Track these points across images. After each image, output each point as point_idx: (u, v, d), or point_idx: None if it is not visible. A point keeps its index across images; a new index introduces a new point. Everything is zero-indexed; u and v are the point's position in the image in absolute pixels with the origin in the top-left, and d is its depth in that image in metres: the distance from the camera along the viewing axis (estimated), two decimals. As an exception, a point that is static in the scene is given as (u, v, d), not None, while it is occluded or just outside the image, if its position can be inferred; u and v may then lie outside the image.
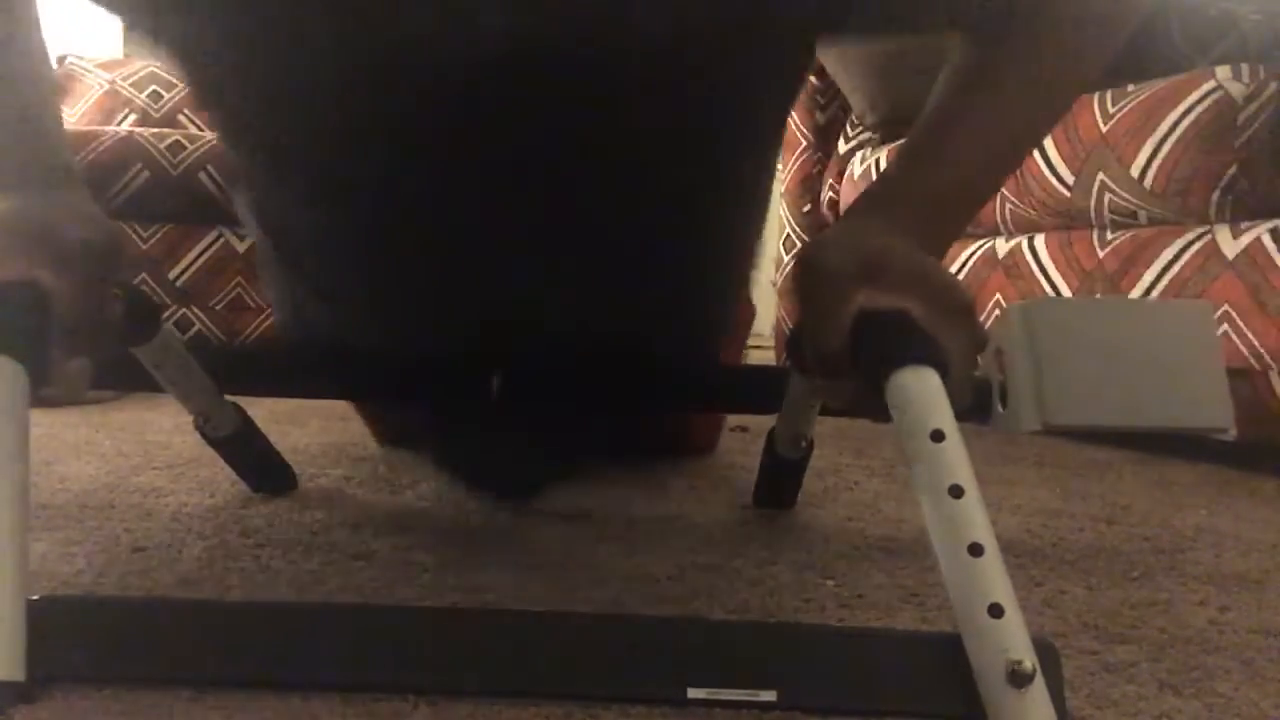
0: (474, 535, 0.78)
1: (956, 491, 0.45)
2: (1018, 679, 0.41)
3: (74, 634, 0.47)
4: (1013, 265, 1.53)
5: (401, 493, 0.92)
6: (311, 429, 1.27)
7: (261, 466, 0.90)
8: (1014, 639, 0.42)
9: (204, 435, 0.84)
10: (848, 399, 0.56)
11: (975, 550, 0.43)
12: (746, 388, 0.86)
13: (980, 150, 0.63)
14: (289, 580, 0.65)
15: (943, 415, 0.47)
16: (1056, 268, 1.46)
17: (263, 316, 2.18)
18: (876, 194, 0.63)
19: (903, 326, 0.51)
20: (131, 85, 2.57)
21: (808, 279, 0.56)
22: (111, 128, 2.22)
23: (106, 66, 2.63)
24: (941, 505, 0.45)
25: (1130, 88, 1.33)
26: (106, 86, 2.56)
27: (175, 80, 2.61)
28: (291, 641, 0.48)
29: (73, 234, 0.56)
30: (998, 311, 1.54)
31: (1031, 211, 1.50)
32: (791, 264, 0.59)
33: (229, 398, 0.83)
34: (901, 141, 0.65)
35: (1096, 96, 1.37)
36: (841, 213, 2.04)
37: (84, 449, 1.09)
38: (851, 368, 0.53)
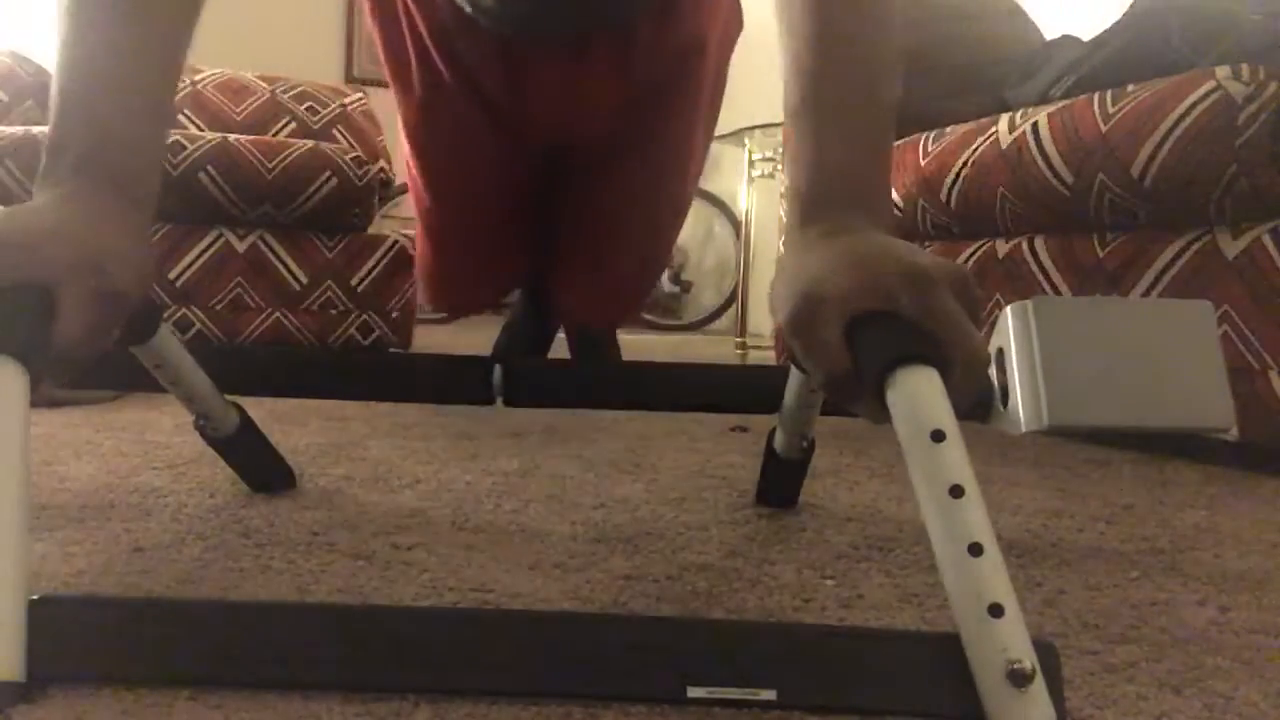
0: (474, 535, 0.78)
1: (956, 491, 0.45)
2: (1017, 679, 0.41)
3: (74, 634, 0.47)
4: (1012, 265, 1.53)
5: (401, 492, 0.92)
6: (311, 429, 1.27)
7: (261, 466, 0.90)
8: (1014, 639, 0.42)
9: (204, 436, 0.84)
10: (864, 409, 0.55)
11: (975, 550, 0.43)
12: (746, 388, 0.86)
13: (857, 117, 0.62)
14: (289, 580, 0.65)
15: (943, 414, 0.47)
16: (1056, 268, 1.46)
17: (262, 316, 2.18)
18: (808, 196, 0.61)
19: (894, 327, 0.50)
20: (131, 85, 2.57)
21: (785, 304, 0.55)
22: (111, 128, 2.22)
23: (106, 67, 2.63)
24: (941, 505, 0.45)
25: (1130, 88, 1.33)
26: (106, 87, 2.56)
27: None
28: (292, 641, 0.48)
29: (105, 245, 0.56)
30: (998, 312, 1.54)
31: (1031, 211, 1.50)
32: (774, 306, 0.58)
33: (229, 398, 0.83)
34: (789, 141, 0.64)
35: (1096, 97, 1.38)
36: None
37: (84, 449, 1.09)
38: (857, 379, 0.52)
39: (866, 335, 0.51)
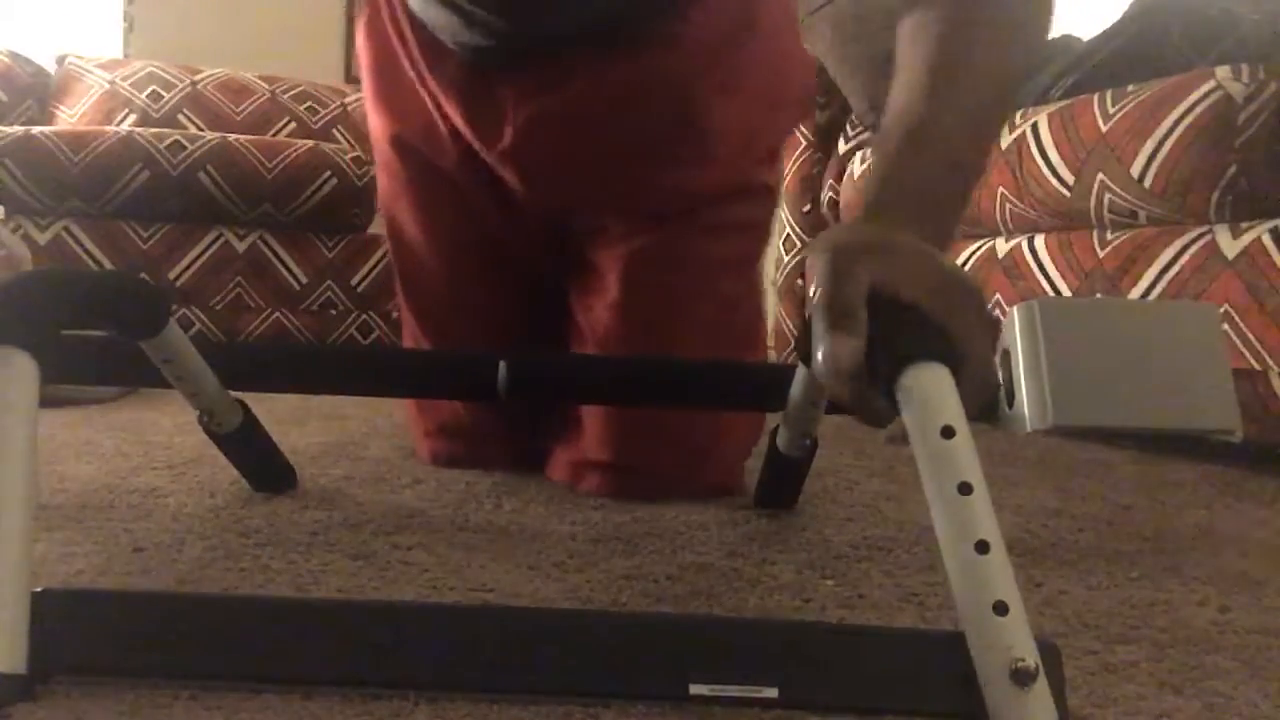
0: (474, 535, 0.78)
1: (965, 489, 0.45)
2: (1020, 677, 0.41)
3: (76, 627, 0.47)
4: (1012, 265, 1.53)
5: (401, 492, 0.92)
6: (311, 429, 1.27)
7: (263, 464, 0.90)
8: (1018, 637, 0.42)
9: (208, 431, 0.84)
10: (861, 400, 0.55)
11: (981, 548, 0.44)
12: (753, 384, 0.86)
13: (952, 145, 0.64)
14: (288, 580, 0.64)
15: (953, 412, 0.47)
16: (1056, 268, 1.46)
17: (262, 316, 2.18)
18: (872, 201, 0.63)
19: (914, 322, 0.51)
20: (131, 85, 2.58)
21: (821, 250, 0.55)
22: (111, 128, 2.22)
23: (106, 67, 2.64)
24: (949, 502, 0.45)
25: (1130, 88, 1.33)
26: (106, 87, 2.56)
27: (174, 80, 2.61)
28: (292, 637, 0.48)
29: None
30: (999, 312, 1.54)
31: (1031, 211, 1.50)
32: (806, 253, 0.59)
33: (234, 394, 0.83)
34: (878, 148, 0.65)
35: (1096, 97, 1.38)
36: (841, 213, 2.04)
37: (84, 449, 1.08)
38: (868, 371, 0.52)
39: (884, 328, 0.51)
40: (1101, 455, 1.30)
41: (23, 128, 2.12)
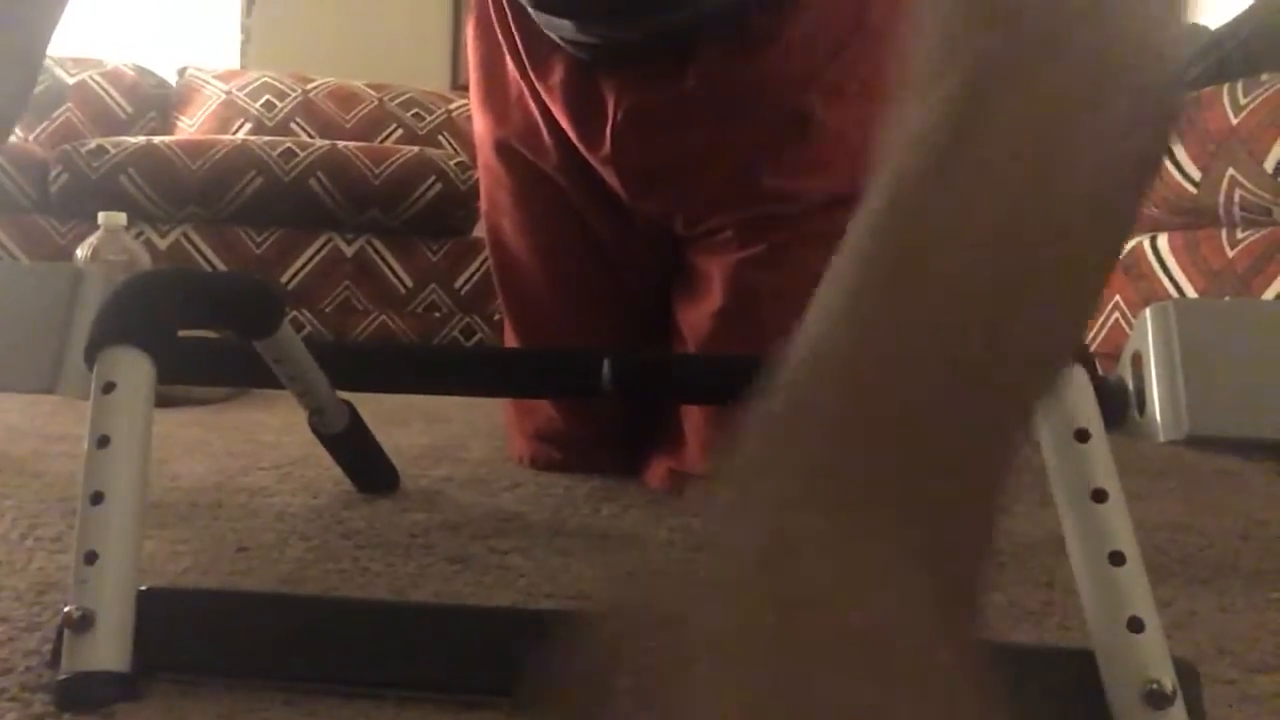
0: (571, 540, 0.77)
1: (1100, 496, 0.42)
2: (1155, 700, 0.39)
3: (178, 626, 0.48)
4: (1133, 265, 1.47)
5: (500, 495, 0.92)
6: (413, 430, 1.29)
7: (368, 465, 0.91)
8: (1154, 657, 0.40)
9: (316, 432, 0.85)
10: None
11: (1117, 559, 0.41)
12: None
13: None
14: (387, 583, 0.65)
15: (1089, 414, 0.44)
16: (1181, 268, 1.38)
17: (370, 319, 2.23)
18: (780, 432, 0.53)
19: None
20: (247, 95, 2.66)
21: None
22: (227, 136, 2.30)
23: (224, 77, 2.73)
24: (1082, 510, 0.43)
25: (1264, 77, 1.26)
26: (224, 96, 2.65)
27: (287, 90, 2.69)
28: (387, 641, 0.48)
29: None
30: (1117, 314, 1.47)
31: (1153, 208, 1.43)
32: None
33: (341, 394, 0.84)
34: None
35: (1226, 87, 1.30)
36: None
37: (196, 448, 1.11)
38: None
39: None
40: (1232, 464, 1.23)
41: (145, 138, 2.21)
